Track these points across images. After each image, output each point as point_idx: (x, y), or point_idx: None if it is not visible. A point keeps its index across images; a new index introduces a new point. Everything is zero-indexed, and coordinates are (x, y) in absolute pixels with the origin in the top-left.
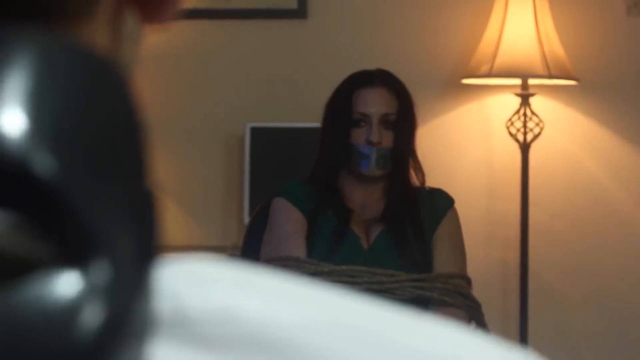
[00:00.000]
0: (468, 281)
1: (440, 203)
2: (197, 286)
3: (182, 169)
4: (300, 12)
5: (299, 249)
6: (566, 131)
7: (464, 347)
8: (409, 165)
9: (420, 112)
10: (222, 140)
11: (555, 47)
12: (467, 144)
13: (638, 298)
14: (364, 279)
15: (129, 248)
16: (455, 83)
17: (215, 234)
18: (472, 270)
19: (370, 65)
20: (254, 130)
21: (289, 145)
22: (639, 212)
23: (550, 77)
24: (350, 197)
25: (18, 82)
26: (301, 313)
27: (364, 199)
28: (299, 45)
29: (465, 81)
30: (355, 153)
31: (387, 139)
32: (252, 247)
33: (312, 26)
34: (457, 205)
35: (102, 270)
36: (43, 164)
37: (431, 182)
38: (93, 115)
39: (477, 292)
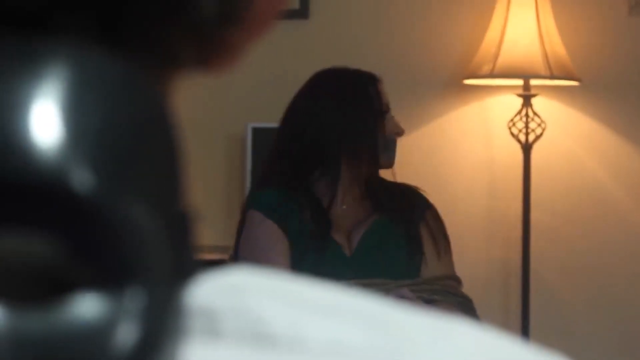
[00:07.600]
0: (457, 280)
1: (418, 204)
2: (232, 296)
3: None
4: (302, 12)
5: (280, 264)
6: (568, 132)
7: (503, 351)
8: None
9: (421, 112)
10: (223, 140)
11: (557, 47)
12: (469, 144)
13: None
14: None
15: (165, 269)
16: (456, 83)
17: (217, 234)
18: (473, 269)
19: (371, 66)
20: (256, 131)
21: None
22: None
23: (552, 77)
24: (327, 201)
25: (54, 94)
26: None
27: (342, 202)
28: (300, 45)
29: (467, 81)
30: (390, 144)
31: None
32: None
33: (313, 26)
34: (458, 205)
35: (137, 292)
36: (81, 179)
37: (432, 182)
38: (130, 133)
39: (478, 291)
